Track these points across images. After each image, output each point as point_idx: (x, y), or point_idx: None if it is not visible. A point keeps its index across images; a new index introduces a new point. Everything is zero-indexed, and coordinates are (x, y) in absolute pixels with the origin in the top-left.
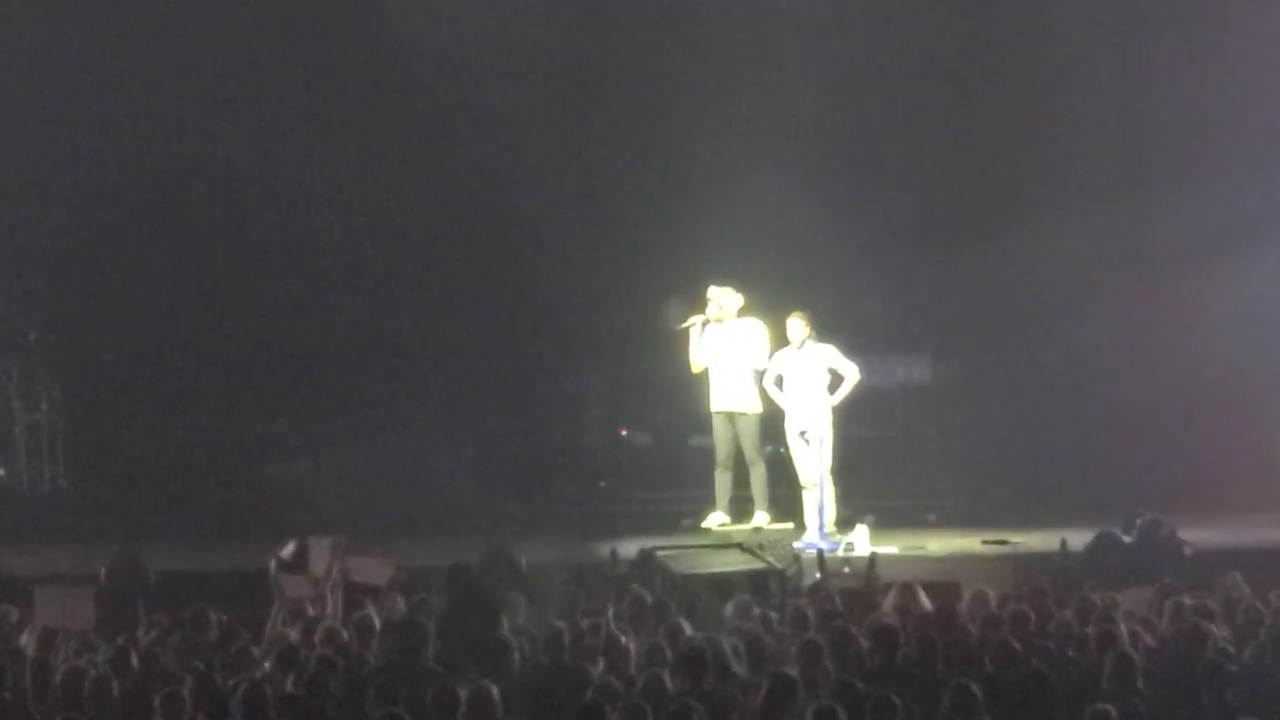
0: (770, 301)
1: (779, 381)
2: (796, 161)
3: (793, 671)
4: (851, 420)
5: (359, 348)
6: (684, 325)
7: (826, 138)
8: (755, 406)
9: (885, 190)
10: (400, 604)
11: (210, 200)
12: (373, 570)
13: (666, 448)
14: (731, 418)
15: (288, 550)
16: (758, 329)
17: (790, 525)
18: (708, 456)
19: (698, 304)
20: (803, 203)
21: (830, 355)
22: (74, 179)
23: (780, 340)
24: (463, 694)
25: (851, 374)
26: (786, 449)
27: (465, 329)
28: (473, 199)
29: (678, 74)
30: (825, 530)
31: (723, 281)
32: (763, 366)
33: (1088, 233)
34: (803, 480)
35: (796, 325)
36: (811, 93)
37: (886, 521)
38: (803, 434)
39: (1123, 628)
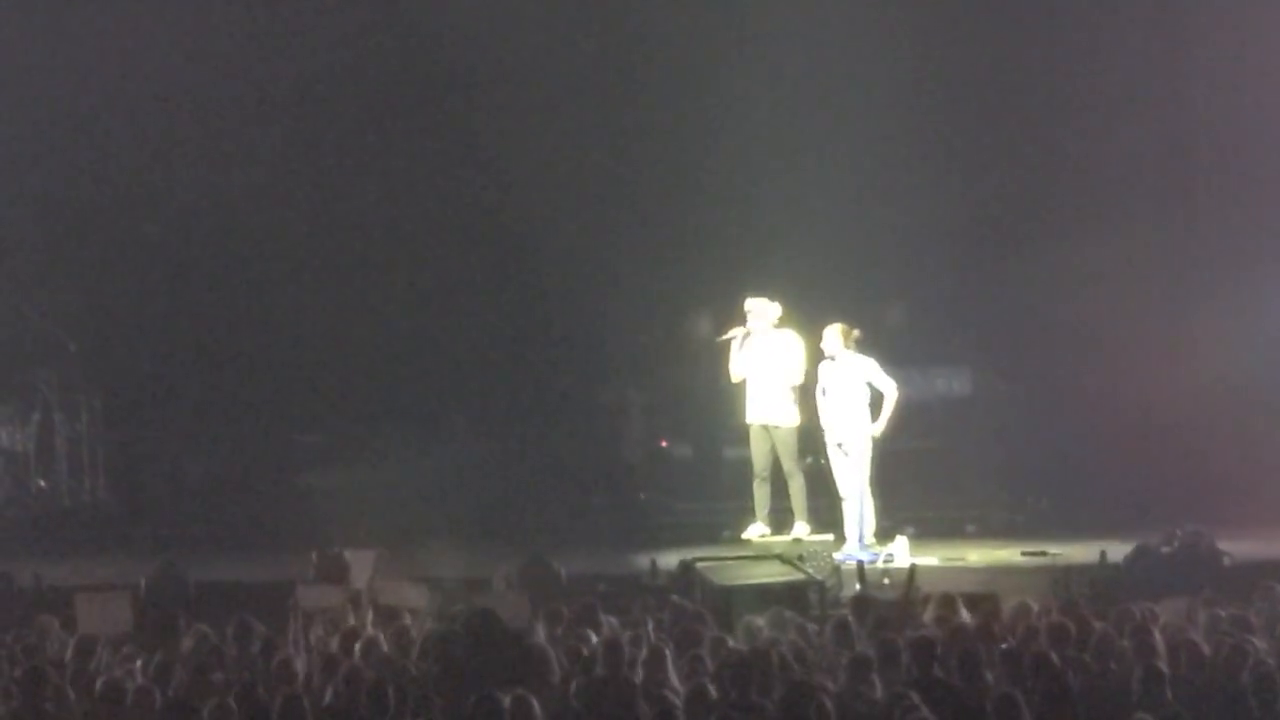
0: (811, 313)
1: (824, 392)
2: (838, 173)
3: (829, 682)
4: (891, 432)
5: (397, 359)
6: (725, 336)
7: (867, 149)
8: (792, 418)
9: (926, 202)
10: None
11: (247, 213)
12: (407, 594)
13: (707, 459)
14: (769, 430)
15: (321, 560)
16: (795, 341)
17: (830, 537)
18: (747, 468)
19: (733, 315)
20: (844, 214)
21: (870, 369)
22: (112, 191)
23: (818, 351)
24: (505, 703)
25: (890, 392)
26: (826, 460)
27: (504, 340)
28: (509, 211)
29: (716, 87)
30: (865, 542)
31: (758, 292)
32: (799, 379)
33: (1128, 244)
34: (842, 491)
35: (829, 336)
36: (852, 105)
37: (926, 533)
38: (840, 445)
39: (1160, 639)
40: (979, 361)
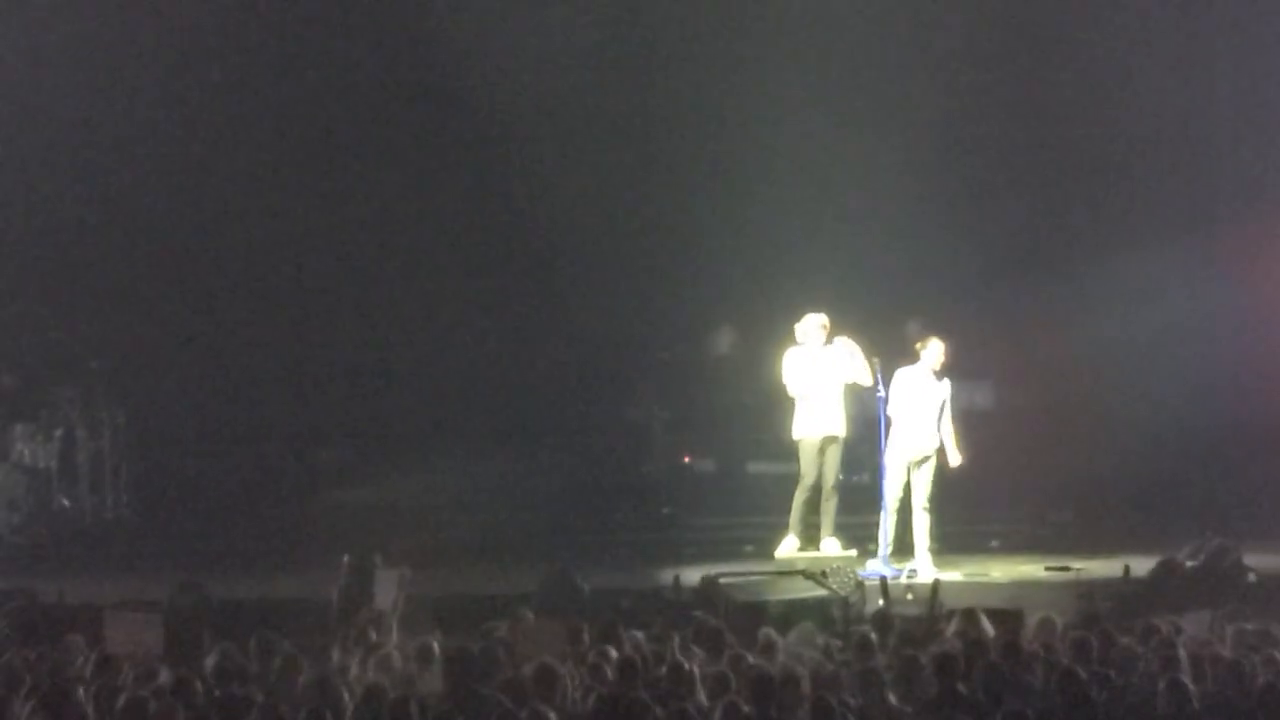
0: (835, 328)
1: (902, 402)
2: (863, 190)
3: (851, 699)
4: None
5: (420, 375)
6: (788, 352)
7: (893, 166)
8: (844, 430)
9: (950, 217)
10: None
11: (270, 229)
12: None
13: (730, 474)
14: (825, 442)
15: (343, 573)
16: (852, 347)
17: (854, 552)
18: (771, 483)
19: (756, 331)
20: (868, 230)
21: (949, 394)
22: (136, 207)
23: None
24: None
25: (949, 427)
26: (854, 476)
27: (528, 356)
28: (534, 227)
29: (745, 106)
30: (929, 556)
31: (805, 311)
32: (867, 380)
33: (1150, 258)
34: (886, 502)
35: (938, 351)
36: (879, 123)
37: (949, 548)
38: (915, 459)
39: (1184, 654)
40: (1001, 375)
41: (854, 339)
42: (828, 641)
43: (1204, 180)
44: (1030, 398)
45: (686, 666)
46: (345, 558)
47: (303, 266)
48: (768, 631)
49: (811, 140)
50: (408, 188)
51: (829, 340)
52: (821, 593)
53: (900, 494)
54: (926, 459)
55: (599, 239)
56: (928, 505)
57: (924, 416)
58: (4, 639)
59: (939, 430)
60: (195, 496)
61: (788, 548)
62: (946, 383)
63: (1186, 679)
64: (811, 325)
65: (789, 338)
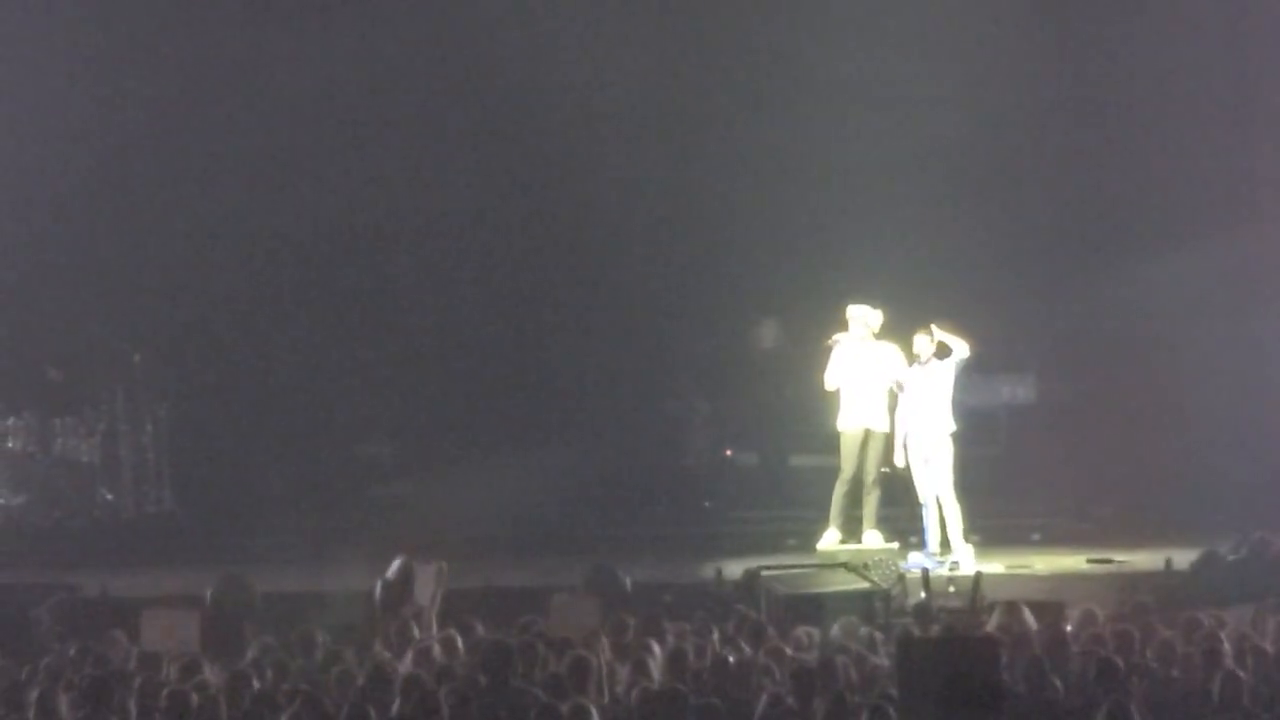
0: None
1: (910, 398)
2: (905, 184)
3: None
4: (957, 439)
5: (463, 371)
6: (830, 342)
7: (932, 161)
8: (886, 425)
9: (992, 211)
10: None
11: (314, 226)
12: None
13: (771, 468)
14: (865, 436)
15: (392, 571)
16: (895, 350)
17: (896, 545)
18: (812, 476)
19: (798, 325)
20: (909, 223)
21: (943, 374)
22: (180, 203)
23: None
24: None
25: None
26: (893, 469)
27: (569, 350)
28: (576, 221)
29: (789, 99)
30: (956, 544)
31: (859, 299)
32: (898, 387)
33: (1195, 254)
34: (921, 498)
35: (923, 341)
36: (921, 117)
37: (991, 540)
38: (923, 451)
39: (1228, 646)
40: (1044, 368)
41: (896, 334)
42: (870, 634)
43: (1245, 174)
44: (1072, 391)
45: (730, 659)
46: (399, 558)
47: (344, 262)
48: (807, 624)
49: (855, 132)
50: (450, 183)
51: (879, 335)
52: (864, 585)
53: (931, 486)
54: (937, 448)
55: (641, 231)
56: (953, 493)
57: (925, 408)
58: (47, 634)
59: (941, 419)
60: (237, 490)
61: (829, 540)
62: (934, 369)
63: (1239, 670)
64: (854, 315)
65: (833, 328)
